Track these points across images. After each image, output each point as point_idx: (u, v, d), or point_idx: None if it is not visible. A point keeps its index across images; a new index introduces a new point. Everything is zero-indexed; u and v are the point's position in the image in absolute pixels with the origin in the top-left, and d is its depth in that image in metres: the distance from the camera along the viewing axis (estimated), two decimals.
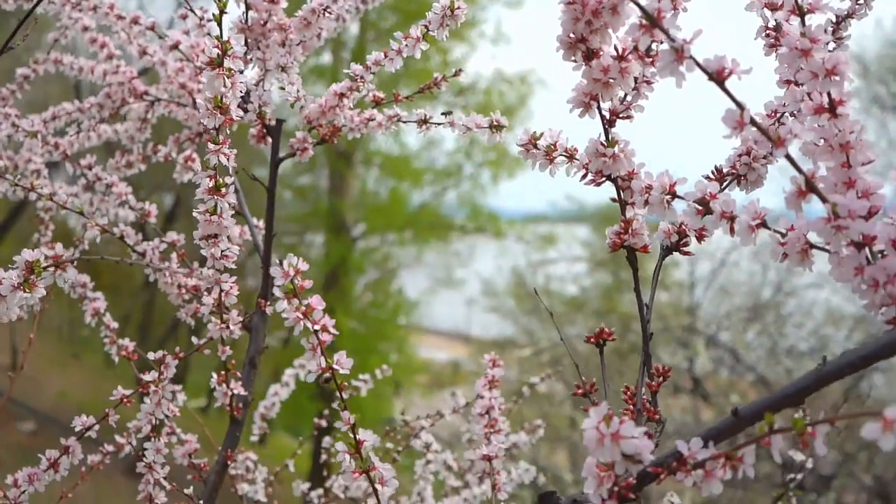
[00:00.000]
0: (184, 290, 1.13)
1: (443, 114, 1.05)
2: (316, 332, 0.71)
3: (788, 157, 0.57)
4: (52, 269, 0.73)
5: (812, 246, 0.62)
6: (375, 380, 1.62)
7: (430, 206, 11.61)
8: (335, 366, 0.71)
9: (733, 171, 0.79)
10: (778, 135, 0.57)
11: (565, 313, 9.07)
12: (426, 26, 0.97)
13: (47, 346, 11.73)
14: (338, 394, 0.73)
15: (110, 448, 1.19)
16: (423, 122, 1.06)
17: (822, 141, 0.63)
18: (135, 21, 1.18)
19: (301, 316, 0.70)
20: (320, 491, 1.43)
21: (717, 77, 0.57)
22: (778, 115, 0.81)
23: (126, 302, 10.23)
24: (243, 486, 1.42)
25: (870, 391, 5.59)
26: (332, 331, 0.71)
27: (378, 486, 0.73)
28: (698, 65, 0.57)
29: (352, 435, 0.74)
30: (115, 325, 1.18)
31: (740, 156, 0.79)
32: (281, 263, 0.69)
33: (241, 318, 1.01)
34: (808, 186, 0.59)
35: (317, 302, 0.71)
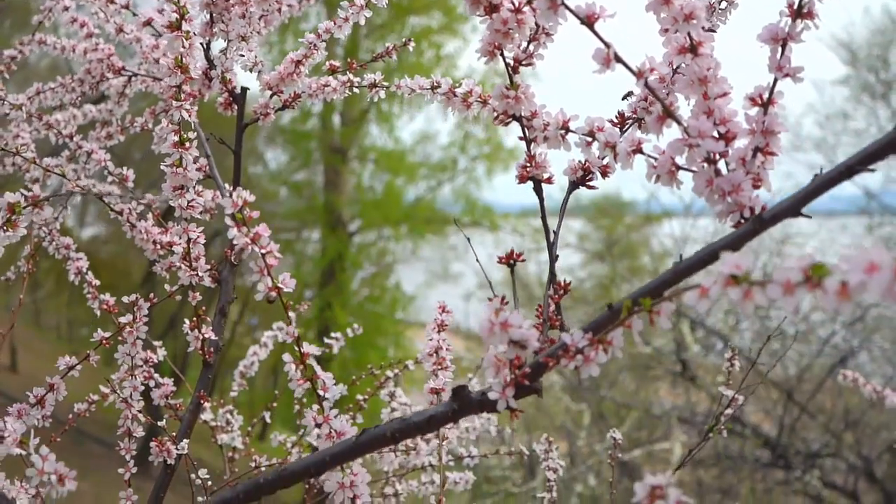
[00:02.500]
0: (158, 247, 1.23)
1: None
2: (263, 255, 0.81)
3: (647, 86, 0.68)
4: (30, 208, 0.83)
5: (678, 167, 0.72)
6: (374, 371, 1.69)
7: (426, 200, 11.70)
8: (280, 284, 0.81)
9: (634, 114, 0.89)
10: (639, 68, 0.68)
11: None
12: None
13: (46, 344, 11.84)
14: (284, 311, 0.83)
15: (95, 397, 1.29)
16: (373, 85, 1.16)
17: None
18: (110, 0, 1.28)
19: (249, 241, 0.80)
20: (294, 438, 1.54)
21: (588, 21, 0.67)
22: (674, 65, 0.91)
23: None
24: (223, 436, 1.53)
25: (840, 371, 5.70)
26: (277, 255, 0.81)
27: (321, 392, 0.84)
28: (570, 10, 0.67)
29: (297, 348, 0.84)
30: (97, 282, 1.28)
31: (639, 101, 0.89)
32: (231, 195, 0.79)
33: (208, 267, 1.12)
34: (666, 113, 0.69)
35: (263, 230, 0.81)
